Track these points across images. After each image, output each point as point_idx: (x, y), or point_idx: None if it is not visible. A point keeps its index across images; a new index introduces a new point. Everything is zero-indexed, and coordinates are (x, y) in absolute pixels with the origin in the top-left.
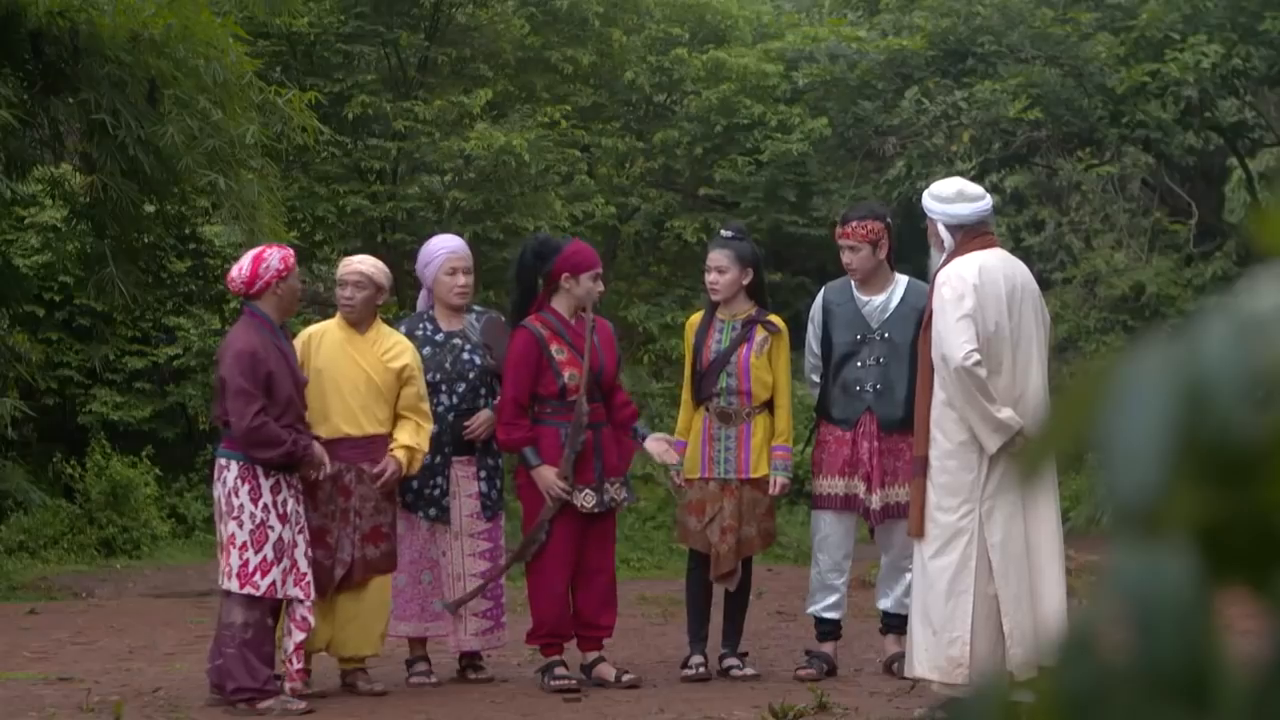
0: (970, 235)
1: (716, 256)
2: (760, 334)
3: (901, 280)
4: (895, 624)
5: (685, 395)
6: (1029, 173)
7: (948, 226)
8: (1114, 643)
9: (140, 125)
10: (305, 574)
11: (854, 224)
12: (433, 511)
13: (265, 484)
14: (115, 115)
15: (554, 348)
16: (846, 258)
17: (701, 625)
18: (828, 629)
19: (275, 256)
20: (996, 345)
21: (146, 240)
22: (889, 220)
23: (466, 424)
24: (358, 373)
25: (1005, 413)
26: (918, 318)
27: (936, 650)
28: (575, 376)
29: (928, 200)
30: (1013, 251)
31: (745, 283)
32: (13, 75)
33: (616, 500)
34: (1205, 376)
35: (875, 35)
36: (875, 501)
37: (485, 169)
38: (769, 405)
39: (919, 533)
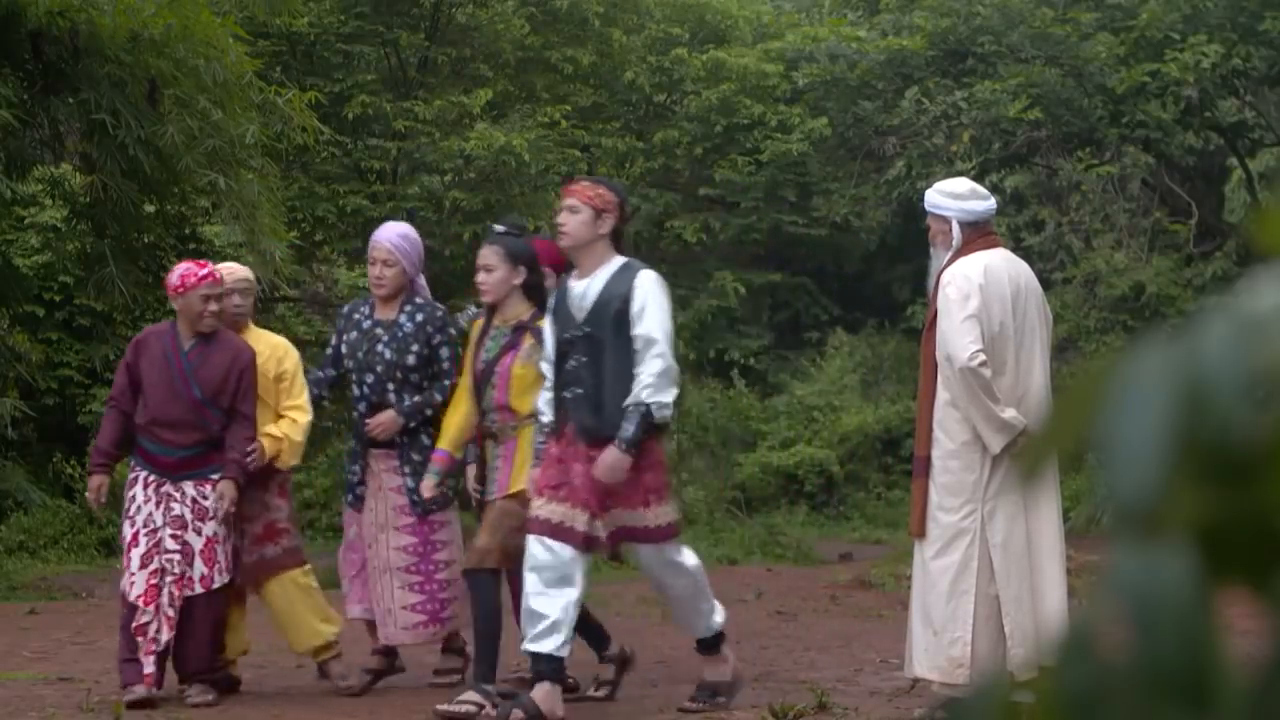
0: (976, 234)
1: (484, 254)
2: (528, 341)
3: (613, 263)
4: (708, 645)
5: (455, 400)
6: (1029, 173)
7: (960, 224)
8: (1114, 643)
9: (140, 125)
10: (133, 574)
11: (585, 183)
12: (349, 497)
13: (130, 480)
14: (115, 115)
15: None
16: (562, 218)
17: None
18: (542, 667)
19: (177, 271)
20: (1000, 345)
21: (146, 240)
22: (625, 202)
23: (368, 422)
24: None
25: (1009, 413)
26: (618, 306)
27: (937, 650)
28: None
29: (940, 198)
30: (1013, 252)
31: (517, 282)
32: (13, 75)
33: None
34: (1205, 376)
35: (875, 35)
36: (600, 529)
37: (485, 169)
38: None
39: (920, 533)
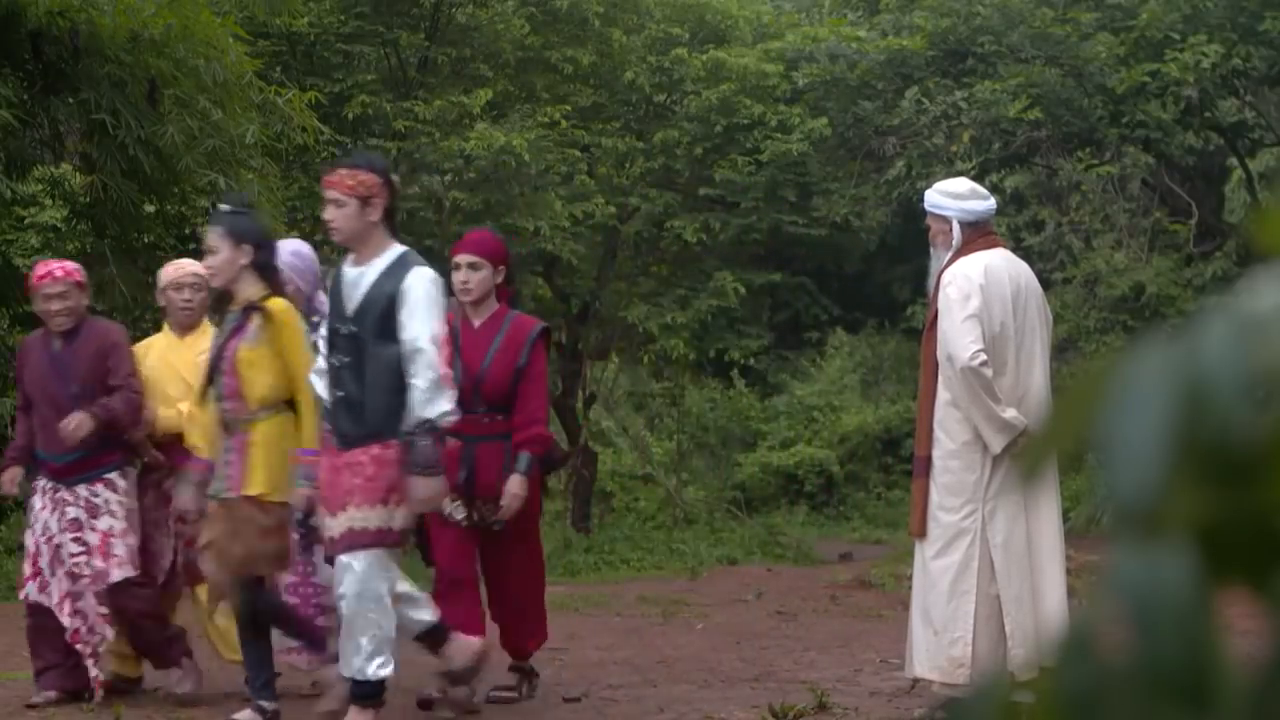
0: (976, 234)
1: (209, 235)
2: (255, 322)
3: (389, 254)
4: (365, 691)
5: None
6: (1029, 173)
7: (961, 224)
8: (1114, 643)
9: (140, 125)
10: (48, 582)
11: (343, 172)
12: None
13: (33, 487)
14: (115, 115)
15: None
16: (329, 213)
17: (259, 669)
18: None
19: (35, 271)
20: (1001, 345)
21: (146, 240)
22: (393, 180)
23: None
24: (175, 379)
25: (1010, 413)
26: (384, 306)
27: (938, 650)
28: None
29: (940, 198)
30: (1013, 252)
31: (244, 262)
32: (13, 75)
33: (486, 520)
34: (1205, 376)
35: (875, 35)
36: (334, 527)
37: (485, 169)
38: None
39: (920, 533)
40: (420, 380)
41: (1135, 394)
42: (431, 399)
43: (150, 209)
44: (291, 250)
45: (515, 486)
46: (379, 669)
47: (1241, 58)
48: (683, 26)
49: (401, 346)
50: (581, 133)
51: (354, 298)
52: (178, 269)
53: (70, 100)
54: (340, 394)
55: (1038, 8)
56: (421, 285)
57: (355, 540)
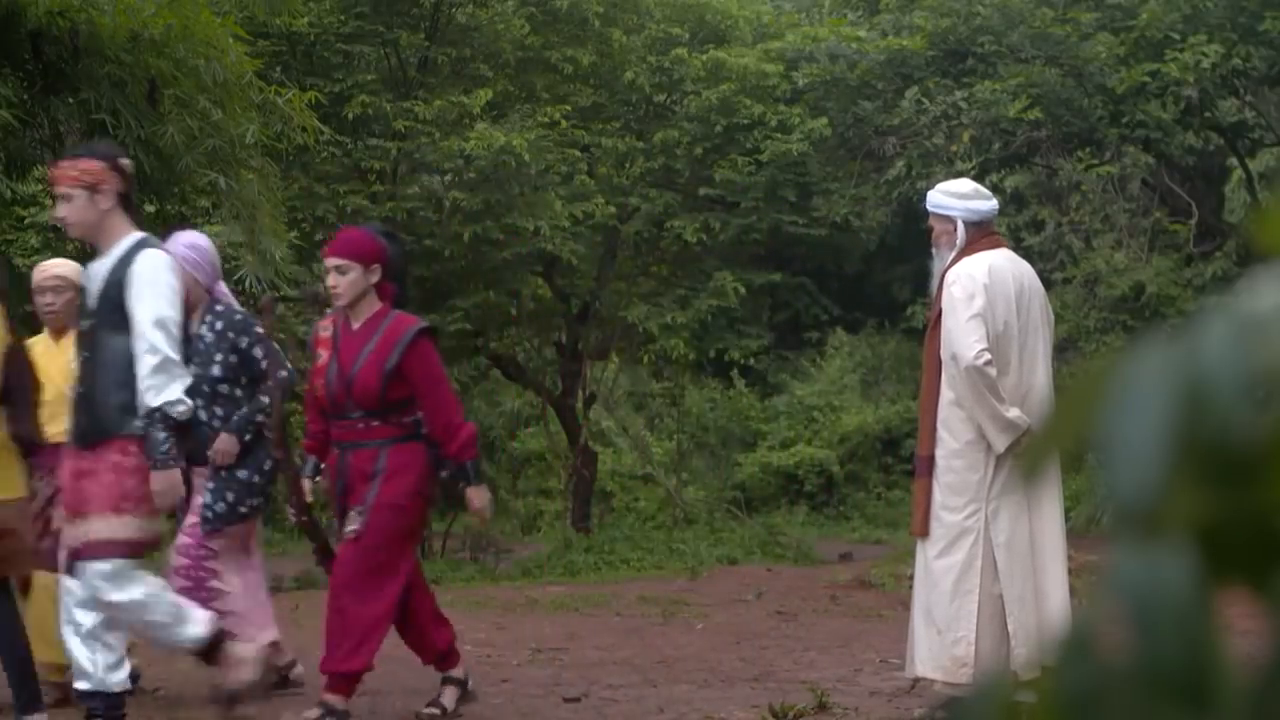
0: (980, 234)
1: None
2: None
3: (125, 242)
4: (208, 653)
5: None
6: (1029, 173)
7: (965, 224)
8: (1114, 643)
9: (140, 125)
10: None
11: (66, 164)
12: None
13: None
14: (115, 115)
15: (318, 350)
16: (60, 210)
17: (23, 683)
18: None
19: None
20: (1004, 344)
21: None
22: (121, 165)
23: (209, 454)
24: (47, 382)
25: (1013, 412)
26: (115, 296)
27: (940, 650)
28: (316, 388)
29: (944, 198)
30: (1013, 251)
31: None
32: (13, 75)
33: (356, 532)
34: (1205, 376)
35: (875, 35)
36: (74, 535)
37: (485, 169)
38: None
39: (923, 532)
40: (143, 367)
41: (1135, 394)
42: (156, 385)
43: (150, 209)
44: (187, 243)
45: (478, 498)
46: (193, 629)
47: (1241, 58)
48: (683, 26)
49: (132, 336)
50: (581, 133)
51: (93, 291)
52: (41, 272)
53: (70, 100)
54: (80, 390)
55: (1038, 8)
56: (145, 267)
57: (94, 550)
